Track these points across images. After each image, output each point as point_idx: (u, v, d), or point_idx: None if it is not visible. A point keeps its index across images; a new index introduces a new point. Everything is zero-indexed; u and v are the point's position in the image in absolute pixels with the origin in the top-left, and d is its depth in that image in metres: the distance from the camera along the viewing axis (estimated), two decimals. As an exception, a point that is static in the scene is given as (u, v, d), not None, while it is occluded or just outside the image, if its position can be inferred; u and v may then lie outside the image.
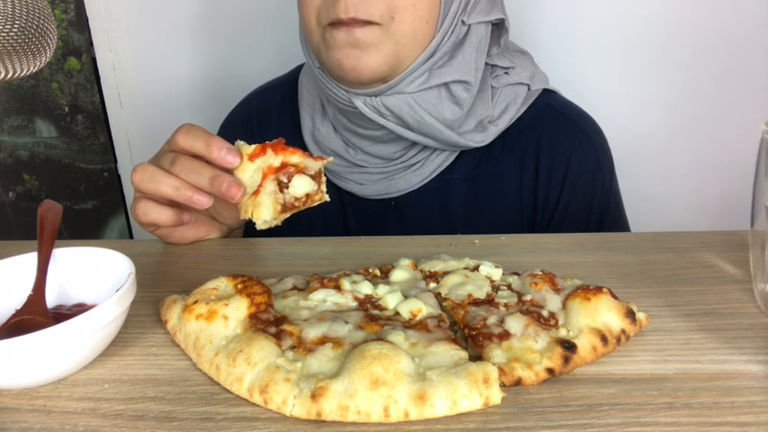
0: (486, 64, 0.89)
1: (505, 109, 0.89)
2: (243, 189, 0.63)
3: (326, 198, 0.64)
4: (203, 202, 0.67)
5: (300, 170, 0.63)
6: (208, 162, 0.67)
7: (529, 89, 0.91)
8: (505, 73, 0.90)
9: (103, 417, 0.45)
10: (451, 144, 0.87)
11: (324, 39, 0.80)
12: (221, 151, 0.64)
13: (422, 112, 0.82)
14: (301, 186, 0.62)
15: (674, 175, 1.35)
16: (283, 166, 0.63)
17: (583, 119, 0.95)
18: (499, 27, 0.88)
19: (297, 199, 0.63)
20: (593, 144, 0.93)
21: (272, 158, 0.63)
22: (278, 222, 0.63)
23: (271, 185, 0.62)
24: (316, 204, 0.64)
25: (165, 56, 1.43)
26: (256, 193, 0.62)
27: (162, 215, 0.71)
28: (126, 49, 1.44)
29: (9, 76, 0.49)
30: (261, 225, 0.63)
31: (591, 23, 1.27)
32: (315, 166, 0.63)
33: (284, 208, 0.62)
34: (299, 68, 1.02)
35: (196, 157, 0.68)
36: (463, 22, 0.82)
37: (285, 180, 0.62)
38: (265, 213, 0.62)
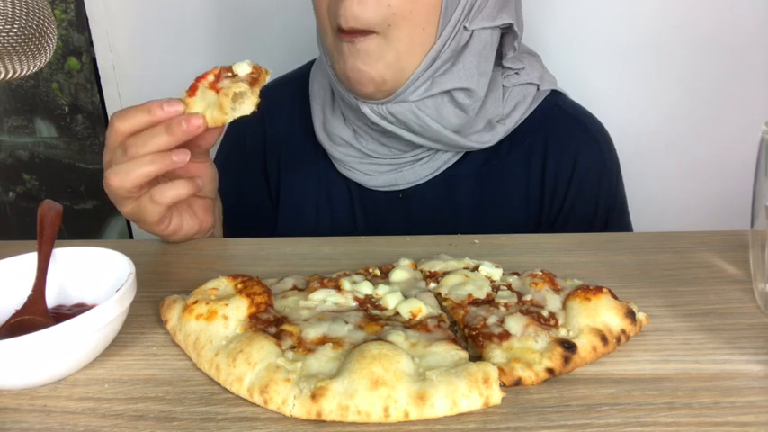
0: (500, 66, 0.89)
1: (515, 108, 0.90)
2: (201, 116, 0.64)
3: (270, 71, 0.69)
4: (182, 157, 0.66)
5: (230, 69, 0.67)
6: None
7: (538, 89, 0.92)
8: (516, 73, 0.91)
9: (103, 417, 0.45)
10: (457, 146, 0.88)
11: (335, 46, 0.81)
12: (162, 106, 0.65)
13: (426, 118, 0.83)
14: (243, 69, 0.67)
15: (675, 175, 1.35)
16: (217, 78, 0.66)
17: (590, 120, 0.95)
18: (512, 30, 0.88)
19: (251, 74, 0.66)
20: (600, 145, 0.93)
21: (207, 82, 0.66)
22: (256, 99, 0.65)
23: (225, 82, 0.65)
24: (269, 78, 0.68)
25: (165, 56, 1.43)
26: (219, 95, 0.65)
27: (178, 188, 0.68)
28: (126, 49, 1.44)
29: (9, 76, 0.49)
30: (245, 108, 0.65)
31: (592, 24, 1.27)
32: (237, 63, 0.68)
33: (252, 81, 0.66)
34: (311, 63, 1.03)
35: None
36: (465, 28, 0.82)
37: (230, 74, 0.66)
38: (238, 87, 0.64)
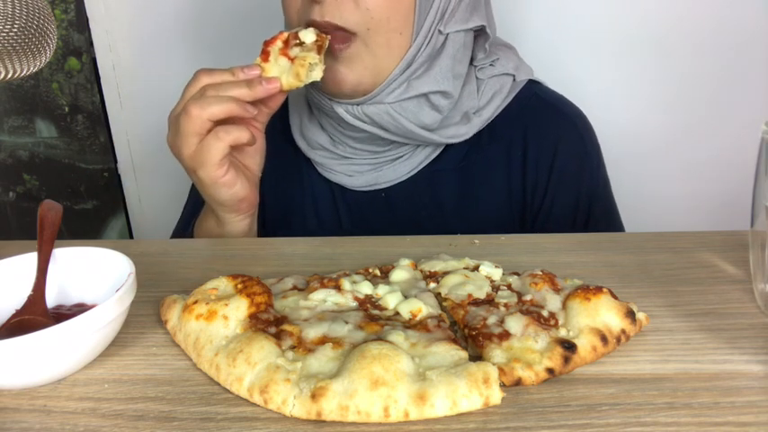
0: (472, 65, 0.90)
1: (491, 99, 0.90)
2: (278, 79, 0.73)
3: (329, 36, 0.76)
4: (254, 110, 0.72)
5: (296, 36, 0.75)
6: None
7: (514, 80, 0.92)
8: (490, 65, 0.91)
9: (103, 417, 0.45)
10: (433, 143, 0.89)
11: None
12: (243, 70, 0.73)
13: (401, 119, 0.83)
14: (308, 36, 0.74)
15: (674, 175, 1.35)
16: (286, 44, 0.75)
17: (568, 108, 0.96)
18: (483, 32, 0.88)
19: (316, 41, 0.74)
20: (579, 132, 0.94)
21: (277, 48, 0.75)
22: (323, 66, 0.74)
23: (295, 50, 0.74)
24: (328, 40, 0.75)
25: (165, 56, 1.43)
26: (294, 63, 0.73)
27: (241, 131, 0.72)
28: (126, 49, 1.44)
29: (9, 76, 0.49)
30: (316, 74, 0.73)
31: (589, 22, 1.27)
32: (300, 29, 0.76)
33: (318, 49, 0.74)
34: None
35: None
36: (440, 31, 0.83)
37: (298, 42, 0.74)
38: (312, 58, 0.73)
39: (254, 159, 0.80)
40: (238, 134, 0.72)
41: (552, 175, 0.91)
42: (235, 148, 0.75)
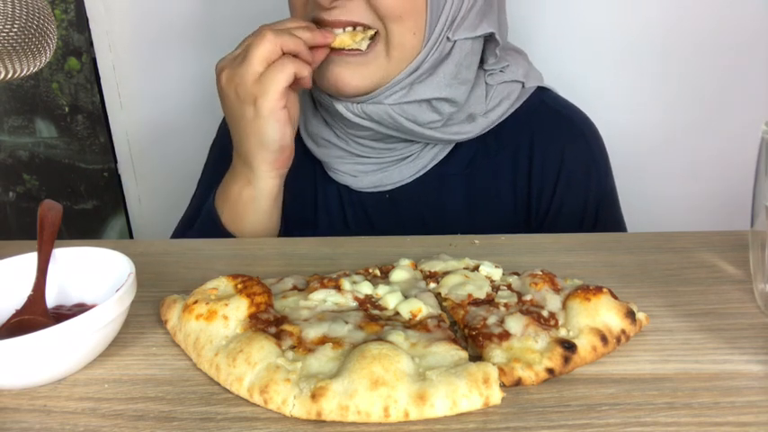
0: (481, 69, 0.90)
1: (499, 104, 0.90)
2: (333, 33, 0.79)
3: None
4: (311, 55, 0.77)
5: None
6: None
7: (523, 87, 0.92)
8: (500, 71, 0.91)
9: (103, 417, 0.46)
10: (435, 140, 0.88)
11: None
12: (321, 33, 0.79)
13: (400, 119, 0.83)
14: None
15: (674, 175, 1.35)
16: None
17: (576, 115, 0.95)
18: (494, 39, 0.88)
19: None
20: (587, 140, 0.93)
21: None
22: (366, 43, 0.81)
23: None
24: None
25: (165, 56, 1.43)
26: (356, 31, 0.81)
27: (304, 67, 0.76)
28: (126, 49, 1.44)
29: (9, 76, 0.49)
30: (364, 45, 0.80)
31: (591, 23, 1.27)
32: None
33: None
34: None
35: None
36: (448, 38, 0.83)
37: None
38: (371, 32, 0.80)
39: (295, 115, 0.81)
40: (301, 66, 0.75)
41: (559, 182, 0.90)
42: (293, 86, 0.77)
